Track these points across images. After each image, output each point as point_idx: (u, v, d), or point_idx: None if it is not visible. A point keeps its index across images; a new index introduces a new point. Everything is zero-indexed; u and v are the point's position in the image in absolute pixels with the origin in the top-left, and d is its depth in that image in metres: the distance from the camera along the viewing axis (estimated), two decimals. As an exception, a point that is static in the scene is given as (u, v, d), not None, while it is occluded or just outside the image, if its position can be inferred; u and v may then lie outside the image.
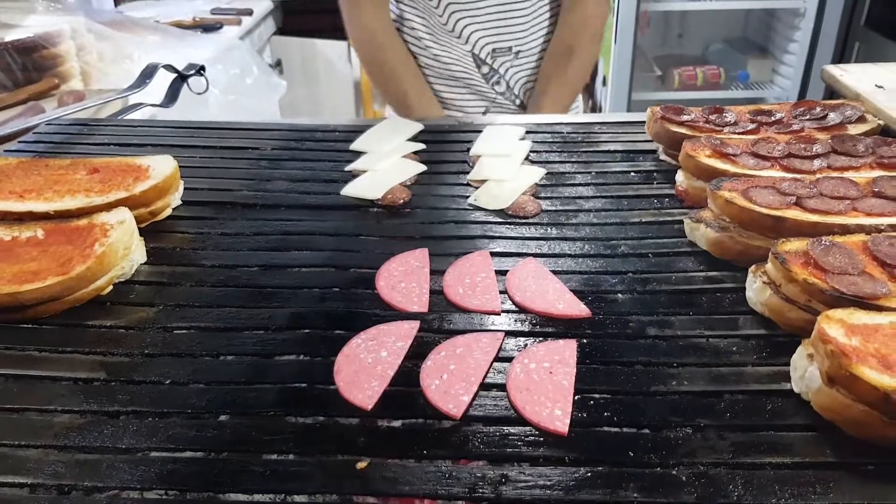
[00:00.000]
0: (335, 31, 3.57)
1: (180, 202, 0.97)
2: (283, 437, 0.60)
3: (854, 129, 0.99)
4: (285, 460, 0.58)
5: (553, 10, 1.56)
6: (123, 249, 0.80)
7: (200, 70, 1.45)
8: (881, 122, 1.02)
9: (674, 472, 0.56)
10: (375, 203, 0.97)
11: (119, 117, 1.35)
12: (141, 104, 1.40)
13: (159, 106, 1.38)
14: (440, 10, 1.50)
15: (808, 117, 1.03)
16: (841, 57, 3.11)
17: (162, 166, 0.93)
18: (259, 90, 2.69)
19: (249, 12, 3.07)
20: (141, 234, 0.86)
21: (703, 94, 3.36)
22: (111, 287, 0.79)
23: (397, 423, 0.62)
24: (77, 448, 0.60)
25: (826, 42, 3.10)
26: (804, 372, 0.61)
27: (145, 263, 0.84)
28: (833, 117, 1.02)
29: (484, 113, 1.57)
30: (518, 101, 1.58)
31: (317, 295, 0.78)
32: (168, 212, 0.94)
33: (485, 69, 1.56)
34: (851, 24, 3.07)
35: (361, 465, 0.57)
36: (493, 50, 1.54)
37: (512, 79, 1.57)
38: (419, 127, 1.18)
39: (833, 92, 1.30)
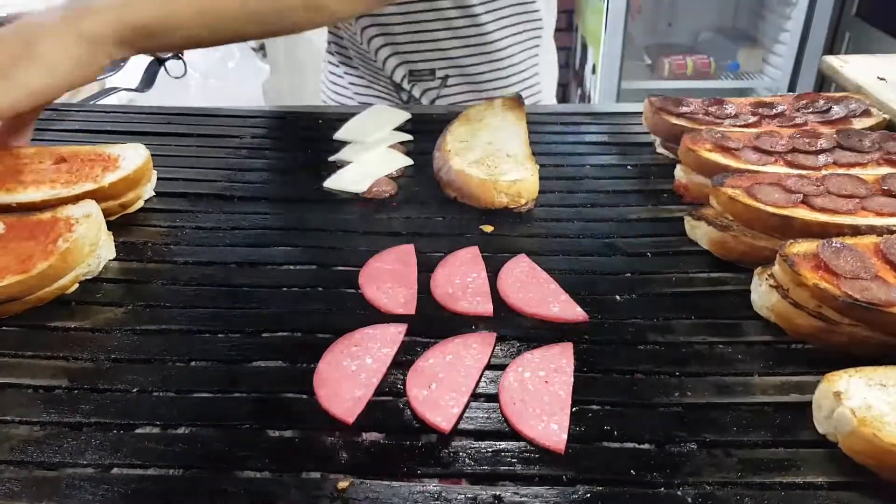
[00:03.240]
0: (320, 14, 3.49)
1: (153, 193, 0.92)
2: (258, 452, 0.56)
3: (859, 124, 0.96)
4: (260, 478, 0.54)
5: (519, 20, 1.26)
6: (90, 245, 0.75)
7: (178, 53, 1.39)
8: (887, 116, 0.98)
9: (679, 493, 0.52)
10: (360, 196, 0.92)
11: (92, 102, 1.29)
12: (116, 88, 1.34)
13: (135, 90, 1.32)
14: (355, 29, 1.23)
15: (811, 110, 0.99)
16: (832, 47, 3.08)
17: (133, 156, 0.88)
18: (241, 75, 2.63)
19: (232, -6, 2.99)
20: (110, 228, 0.80)
21: (693, 83, 3.33)
22: (77, 285, 0.74)
23: (382, 437, 0.58)
24: (35, 463, 0.55)
25: (817, 32, 3.08)
26: (831, 412, 0.56)
27: (114, 260, 0.79)
28: (837, 111, 0.98)
29: None
30: None
31: (297, 295, 0.74)
32: (140, 204, 0.89)
33: (404, 96, 1.28)
34: (842, 14, 3.04)
35: (343, 484, 0.53)
36: (410, 72, 1.24)
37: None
38: (406, 115, 1.13)
39: (823, 82, 1.26)
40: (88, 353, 0.66)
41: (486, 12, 1.20)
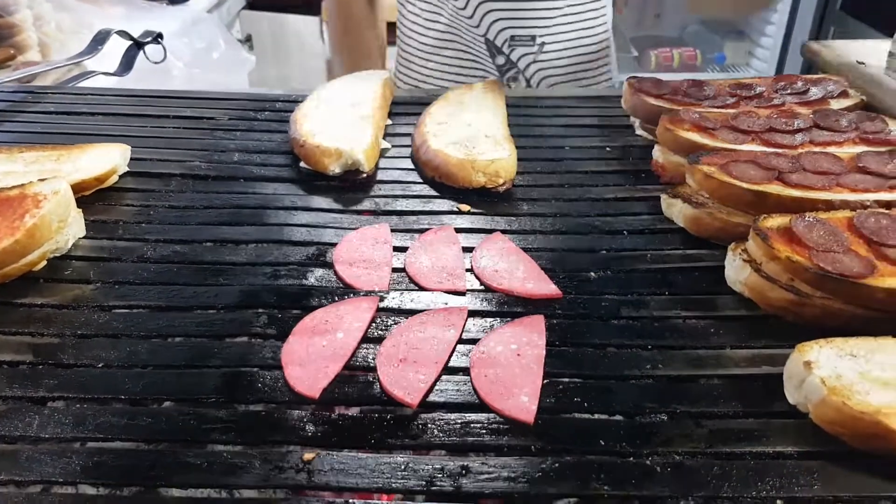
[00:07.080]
0: (307, 6, 3.48)
1: (126, 169, 0.90)
2: (225, 425, 0.55)
3: (836, 104, 0.96)
4: (226, 451, 0.53)
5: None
6: (58, 222, 0.73)
7: (158, 38, 1.38)
8: (864, 97, 0.98)
9: (647, 462, 0.52)
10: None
11: (70, 85, 1.27)
12: (93, 72, 1.32)
13: (113, 74, 1.31)
14: None
15: (789, 91, 0.99)
16: (817, 40, 3.09)
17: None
18: (226, 65, 2.59)
19: (217, -16, 2.97)
20: (80, 206, 0.79)
21: (680, 75, 3.32)
22: (45, 262, 0.73)
23: (351, 411, 0.57)
24: (-6, 437, 0.54)
25: (802, 25, 3.09)
26: (801, 381, 0.55)
27: (84, 238, 0.78)
28: (815, 92, 0.98)
29: None
30: None
31: (269, 272, 0.73)
32: (115, 179, 0.88)
33: (500, 60, 1.34)
34: (827, 7, 3.05)
35: (308, 455, 0.52)
36: (512, 37, 1.32)
37: (533, 77, 1.36)
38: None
39: (810, 71, 1.26)
40: (55, 329, 0.65)
41: None
